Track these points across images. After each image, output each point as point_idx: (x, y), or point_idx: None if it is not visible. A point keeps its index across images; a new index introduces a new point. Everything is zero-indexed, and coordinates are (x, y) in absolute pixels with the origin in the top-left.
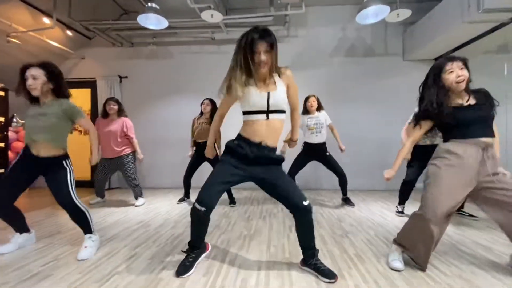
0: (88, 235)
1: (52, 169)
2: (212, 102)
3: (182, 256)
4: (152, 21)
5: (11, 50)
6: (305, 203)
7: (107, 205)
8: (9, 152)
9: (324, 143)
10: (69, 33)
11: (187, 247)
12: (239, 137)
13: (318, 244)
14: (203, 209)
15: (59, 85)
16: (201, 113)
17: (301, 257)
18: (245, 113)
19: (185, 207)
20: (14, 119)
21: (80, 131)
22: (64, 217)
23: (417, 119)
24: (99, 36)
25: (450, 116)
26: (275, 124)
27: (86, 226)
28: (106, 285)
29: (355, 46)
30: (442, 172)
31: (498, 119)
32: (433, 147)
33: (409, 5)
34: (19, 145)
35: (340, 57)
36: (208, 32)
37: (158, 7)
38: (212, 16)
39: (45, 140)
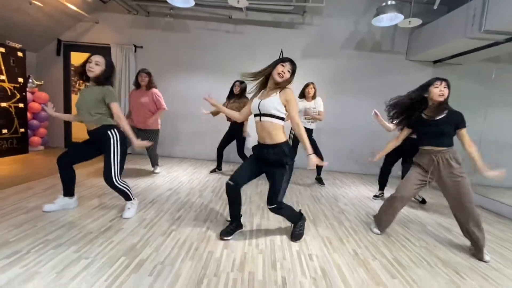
0: (128, 201)
1: (100, 140)
2: (241, 82)
3: (217, 221)
4: (180, 0)
5: (31, 11)
6: (270, 206)
7: (129, 171)
8: (28, 114)
9: (312, 130)
10: None
11: (229, 218)
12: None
13: (320, 217)
14: (232, 183)
15: (108, 74)
16: (232, 94)
17: (311, 226)
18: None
19: (204, 178)
20: (30, 80)
21: None
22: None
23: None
24: (115, 1)
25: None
26: (265, 125)
27: (125, 197)
28: (170, 238)
29: (364, 41)
30: (412, 171)
31: (478, 119)
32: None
33: (422, 7)
34: (35, 106)
35: (349, 50)
36: (226, 11)
37: None
38: (239, 1)
39: (86, 119)
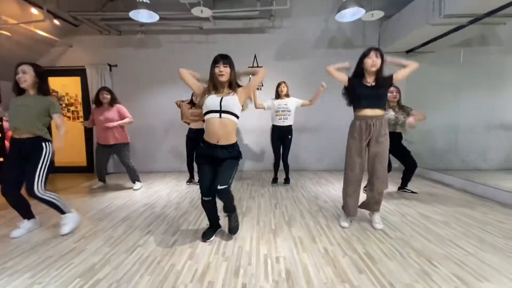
0: (62, 215)
1: (31, 150)
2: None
3: (187, 232)
4: (144, 15)
5: (1, 41)
6: (220, 187)
7: (109, 190)
8: (6, 142)
9: (290, 126)
10: (56, 22)
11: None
12: (203, 140)
13: (297, 218)
14: (209, 198)
15: (43, 82)
16: (192, 102)
17: (284, 228)
18: (205, 114)
19: (184, 190)
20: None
21: (69, 117)
22: (77, 200)
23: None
24: (86, 24)
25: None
26: (226, 122)
27: (57, 210)
28: (133, 255)
29: (336, 38)
30: (350, 143)
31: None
32: (395, 134)
33: (384, 1)
34: None
35: (322, 48)
36: (196, 22)
37: (149, 1)
38: (202, 11)
39: (24, 127)
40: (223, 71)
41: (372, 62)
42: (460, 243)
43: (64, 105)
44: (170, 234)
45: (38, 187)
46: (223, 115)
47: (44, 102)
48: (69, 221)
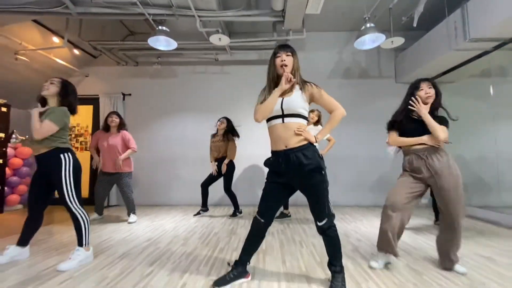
0: (77, 248)
1: (49, 165)
2: (227, 119)
3: (199, 272)
4: (162, 43)
5: (18, 68)
6: (320, 223)
7: (107, 222)
8: (7, 169)
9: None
10: (76, 51)
11: (232, 263)
12: (271, 152)
13: None
14: (262, 220)
15: (66, 96)
16: (217, 131)
17: (318, 270)
18: (267, 121)
19: (192, 224)
20: (14, 136)
21: (77, 148)
22: (69, 234)
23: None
24: (105, 55)
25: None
26: (291, 126)
27: (78, 237)
28: None
29: (351, 69)
30: (401, 177)
31: (488, 137)
32: None
33: (399, 33)
34: (16, 162)
35: (337, 79)
36: (212, 54)
37: (168, 30)
38: (220, 39)
39: (37, 141)
40: (287, 60)
41: (426, 93)
42: None
43: (73, 135)
44: (178, 275)
45: (71, 199)
46: (286, 119)
47: (49, 110)
48: (79, 257)
